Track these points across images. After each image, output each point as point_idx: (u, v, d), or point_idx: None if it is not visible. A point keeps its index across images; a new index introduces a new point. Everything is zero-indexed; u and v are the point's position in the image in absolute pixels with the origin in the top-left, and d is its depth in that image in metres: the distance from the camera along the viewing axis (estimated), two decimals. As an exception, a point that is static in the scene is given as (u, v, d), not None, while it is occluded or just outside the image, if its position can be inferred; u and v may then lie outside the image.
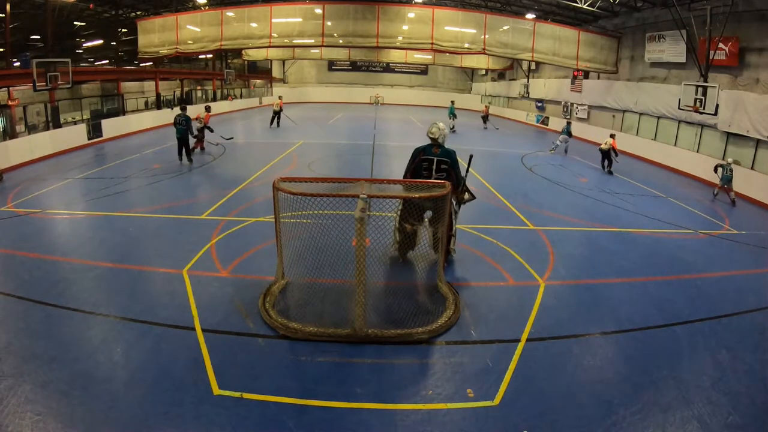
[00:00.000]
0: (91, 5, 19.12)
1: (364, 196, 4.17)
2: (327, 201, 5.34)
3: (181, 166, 11.83)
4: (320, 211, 6.36)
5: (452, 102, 22.72)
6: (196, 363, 3.88)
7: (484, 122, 24.98)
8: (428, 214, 5.39)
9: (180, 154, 12.27)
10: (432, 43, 17.12)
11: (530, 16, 18.58)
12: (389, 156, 14.49)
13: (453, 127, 20.96)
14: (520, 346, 4.35)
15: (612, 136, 13.41)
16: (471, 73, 39.92)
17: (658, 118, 16.25)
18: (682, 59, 14.92)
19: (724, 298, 5.63)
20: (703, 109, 12.63)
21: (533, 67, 26.93)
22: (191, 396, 3.50)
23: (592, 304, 5.32)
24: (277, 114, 20.75)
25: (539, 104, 26.97)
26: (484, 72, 36.72)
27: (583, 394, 3.75)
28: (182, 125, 11.95)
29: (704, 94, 12.59)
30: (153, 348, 4.09)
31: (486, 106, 27.31)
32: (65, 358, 3.88)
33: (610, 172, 13.20)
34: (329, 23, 17.08)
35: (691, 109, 13.04)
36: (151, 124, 19.67)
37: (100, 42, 24.05)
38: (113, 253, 6.23)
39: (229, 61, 30.54)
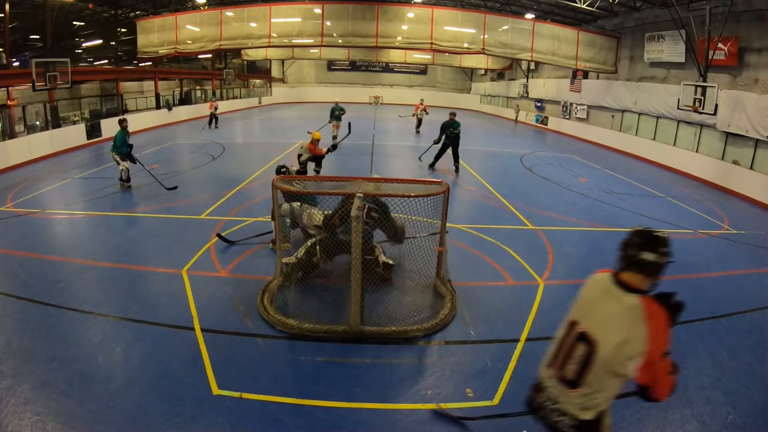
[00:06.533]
0: (90, 5, 19.10)
1: (361, 194, 4.17)
2: (328, 200, 5.35)
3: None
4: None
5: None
6: (195, 363, 3.88)
7: (418, 127, 20.12)
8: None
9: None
10: (431, 43, 17.11)
11: (529, 16, 18.57)
12: (388, 156, 14.49)
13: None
14: (520, 345, 4.35)
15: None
16: (470, 73, 39.91)
17: (658, 118, 16.25)
18: (682, 59, 14.92)
19: (724, 298, 5.63)
20: (703, 109, 12.63)
21: (532, 66, 26.93)
22: (190, 396, 3.50)
23: (591, 303, 5.31)
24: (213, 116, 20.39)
25: (538, 104, 26.98)
26: (483, 72, 36.71)
27: (583, 393, 3.75)
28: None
29: (703, 94, 12.59)
30: (152, 348, 4.08)
31: (421, 101, 20.53)
32: (64, 358, 3.88)
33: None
34: (328, 23, 17.07)
35: (691, 109, 13.05)
36: (151, 124, 19.67)
37: (99, 42, 24.00)
38: (112, 253, 6.23)
39: (228, 60, 30.54)
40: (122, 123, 9.41)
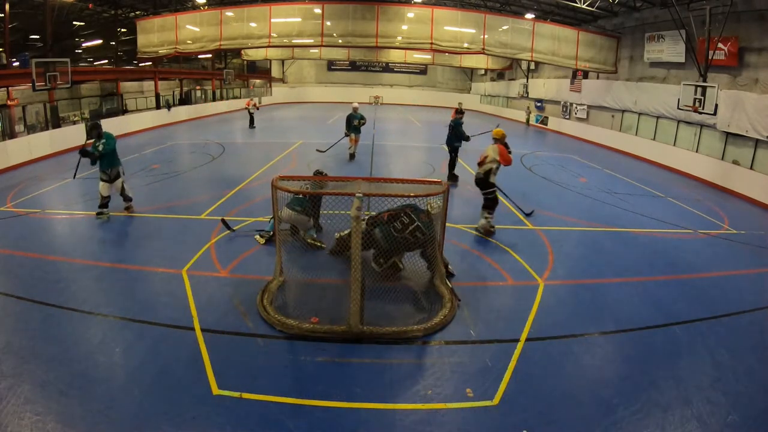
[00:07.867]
0: (90, 5, 19.14)
1: (360, 194, 4.17)
2: (328, 200, 5.35)
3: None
4: (321, 212, 6.39)
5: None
6: (195, 363, 3.88)
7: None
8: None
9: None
10: (431, 43, 17.11)
11: (529, 16, 18.58)
12: (388, 156, 14.50)
13: None
14: (520, 345, 4.35)
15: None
16: (470, 73, 39.96)
17: (658, 117, 16.26)
18: (682, 59, 14.92)
19: (724, 298, 5.63)
20: (703, 109, 12.63)
21: (532, 66, 26.94)
22: (190, 396, 3.50)
23: (591, 303, 5.32)
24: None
25: (538, 104, 26.98)
26: (483, 72, 36.75)
27: (583, 393, 3.76)
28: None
29: (703, 94, 12.59)
30: (152, 348, 4.09)
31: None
32: (64, 358, 3.88)
33: None
34: (328, 23, 17.07)
35: (691, 109, 13.05)
36: (151, 124, 19.68)
37: (99, 42, 24.05)
38: (113, 253, 6.23)
39: (228, 60, 30.55)
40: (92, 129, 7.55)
